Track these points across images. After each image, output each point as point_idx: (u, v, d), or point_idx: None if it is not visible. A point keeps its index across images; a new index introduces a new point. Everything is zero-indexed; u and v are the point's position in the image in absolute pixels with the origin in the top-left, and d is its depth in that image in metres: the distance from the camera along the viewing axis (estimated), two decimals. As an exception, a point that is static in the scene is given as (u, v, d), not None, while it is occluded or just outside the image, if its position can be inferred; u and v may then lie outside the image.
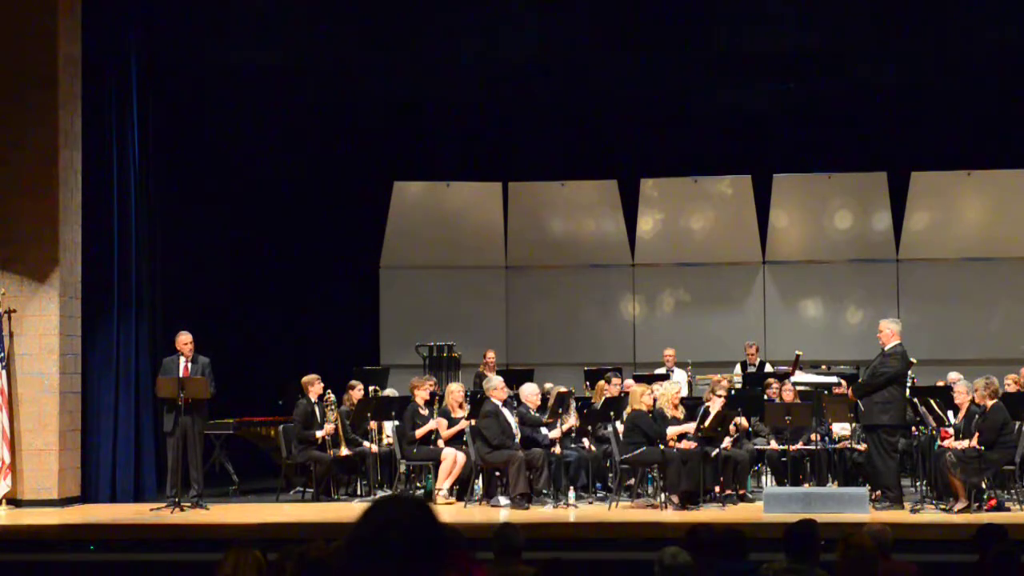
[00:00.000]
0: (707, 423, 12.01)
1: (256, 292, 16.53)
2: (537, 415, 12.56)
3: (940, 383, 13.61)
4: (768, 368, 15.39)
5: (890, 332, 11.67)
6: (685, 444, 11.86)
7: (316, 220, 16.98)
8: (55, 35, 12.41)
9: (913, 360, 12.25)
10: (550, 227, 18.30)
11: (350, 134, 16.82)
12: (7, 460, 12.07)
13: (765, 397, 13.27)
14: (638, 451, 11.78)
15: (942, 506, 11.22)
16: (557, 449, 12.32)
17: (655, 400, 12.24)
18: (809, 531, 5.81)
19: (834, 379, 13.96)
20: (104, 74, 12.96)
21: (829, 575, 5.64)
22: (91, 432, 12.73)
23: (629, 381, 13.81)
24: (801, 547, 5.73)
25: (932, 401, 11.60)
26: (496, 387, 12.40)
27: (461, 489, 12.45)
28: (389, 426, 13.18)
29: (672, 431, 11.87)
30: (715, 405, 12.29)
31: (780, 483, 12.80)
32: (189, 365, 12.23)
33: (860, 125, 16.78)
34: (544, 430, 12.43)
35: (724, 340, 16.91)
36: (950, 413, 11.85)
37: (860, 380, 12.17)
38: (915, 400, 11.86)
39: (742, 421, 12.76)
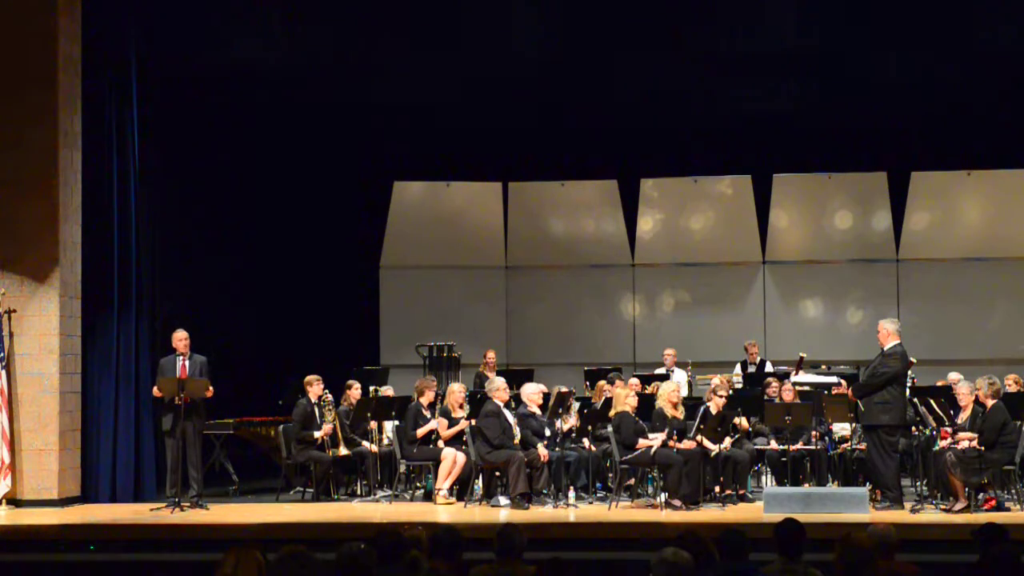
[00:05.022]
0: (706, 425, 12.00)
1: (256, 292, 16.53)
2: (542, 418, 12.55)
3: (940, 383, 13.61)
4: (769, 367, 15.39)
5: (887, 332, 11.67)
6: (686, 444, 11.85)
7: (316, 220, 16.98)
8: (55, 35, 12.41)
9: (913, 360, 12.26)
10: (550, 227, 18.31)
11: (350, 134, 16.82)
12: (7, 460, 12.08)
13: (765, 397, 13.27)
14: (637, 452, 11.78)
15: (942, 506, 11.23)
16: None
17: (641, 400, 12.25)
18: (796, 529, 5.83)
19: (834, 379, 13.95)
20: (104, 74, 12.96)
21: (823, 574, 5.65)
22: (91, 432, 12.73)
23: (634, 380, 13.81)
24: (791, 545, 5.75)
25: (933, 401, 11.60)
26: (498, 388, 12.41)
27: (461, 489, 12.45)
28: (389, 426, 13.19)
29: (643, 443, 11.82)
30: (715, 405, 12.31)
31: (780, 483, 12.80)
32: (187, 364, 12.24)
33: (860, 125, 16.78)
34: (546, 431, 12.43)
35: (724, 340, 16.92)
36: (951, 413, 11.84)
37: (860, 380, 12.17)
38: (915, 400, 11.87)
39: (742, 421, 12.77)
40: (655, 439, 11.82)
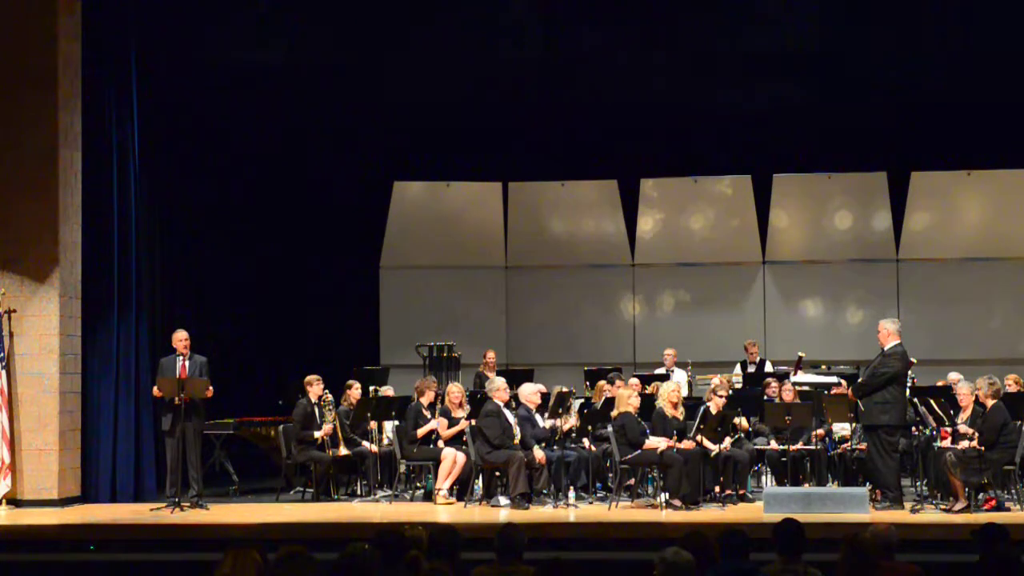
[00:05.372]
0: (706, 425, 11.99)
1: (256, 292, 16.52)
2: (541, 421, 12.54)
3: (940, 383, 13.61)
4: (768, 367, 15.39)
5: (888, 332, 11.67)
6: (685, 444, 11.84)
7: (316, 220, 16.97)
8: (55, 35, 12.41)
9: (913, 360, 12.26)
10: (550, 227, 18.29)
11: (350, 134, 16.82)
12: (7, 460, 12.08)
13: (764, 397, 13.27)
14: (638, 452, 11.78)
15: (942, 506, 11.23)
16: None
17: (641, 400, 12.26)
18: (795, 529, 5.83)
19: (834, 379, 13.96)
20: (104, 74, 12.96)
21: (824, 574, 5.66)
22: (91, 432, 12.73)
23: (634, 380, 13.80)
24: (791, 545, 5.76)
25: (933, 401, 11.60)
26: (499, 388, 12.41)
27: (461, 489, 12.45)
28: (389, 426, 13.19)
29: (649, 443, 11.82)
30: (715, 405, 12.31)
31: (780, 483, 12.80)
32: (187, 364, 12.24)
33: (860, 125, 16.77)
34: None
35: (724, 340, 16.90)
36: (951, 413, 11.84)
37: (860, 380, 12.17)
38: (915, 400, 11.86)
39: (742, 421, 12.77)
40: (659, 443, 11.80)
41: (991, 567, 5.44)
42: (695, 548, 5.38)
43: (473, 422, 12.43)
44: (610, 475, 12.75)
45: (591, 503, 12.21)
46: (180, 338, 12.31)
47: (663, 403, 12.22)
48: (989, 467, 11.13)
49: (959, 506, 11.04)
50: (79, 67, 12.71)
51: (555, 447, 12.38)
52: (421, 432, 12.62)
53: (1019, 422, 11.54)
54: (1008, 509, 11.20)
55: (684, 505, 11.51)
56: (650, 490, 12.47)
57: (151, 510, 11.80)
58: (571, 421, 12.79)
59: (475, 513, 11.74)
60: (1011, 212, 17.40)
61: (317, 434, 12.80)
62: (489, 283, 18.13)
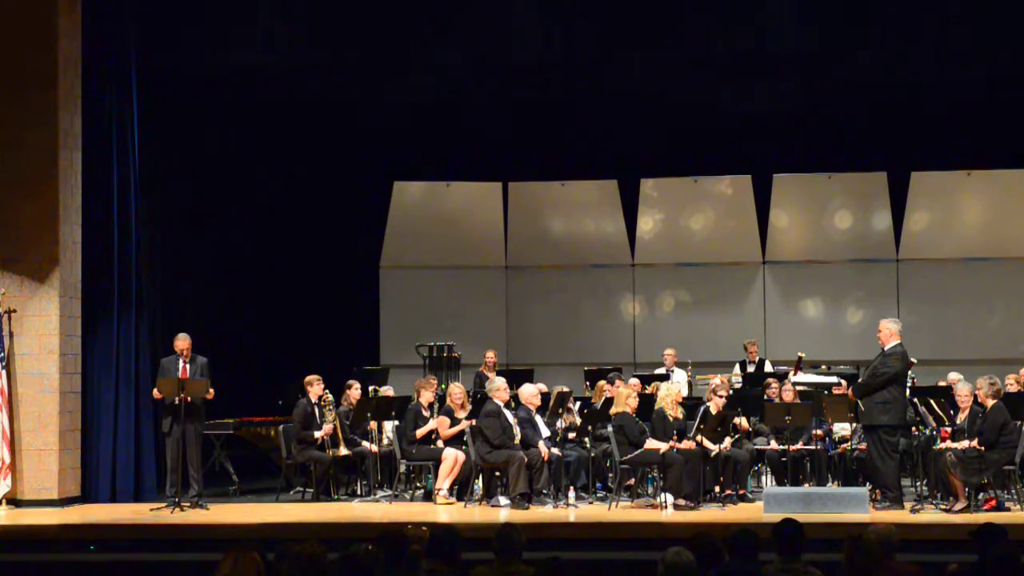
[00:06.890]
0: (706, 425, 11.99)
1: (256, 292, 16.52)
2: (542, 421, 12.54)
3: (941, 383, 13.61)
4: (768, 367, 15.39)
5: (889, 332, 11.67)
6: (685, 444, 11.84)
7: (316, 220, 16.98)
8: (55, 35, 12.41)
9: (913, 360, 12.25)
10: (550, 227, 18.30)
11: (350, 134, 16.82)
12: (7, 460, 12.08)
13: (765, 397, 13.27)
14: (639, 451, 11.78)
15: (942, 506, 11.23)
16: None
17: (641, 400, 12.25)
18: (795, 529, 5.84)
19: (834, 379, 13.96)
20: (104, 74, 12.96)
21: (824, 574, 5.66)
22: (91, 432, 12.73)
23: (633, 380, 13.80)
24: (791, 545, 5.76)
25: (933, 401, 11.59)
26: (499, 388, 12.41)
27: (461, 489, 12.45)
28: (389, 426, 13.19)
29: (649, 445, 11.81)
30: (715, 405, 12.30)
31: (780, 483, 12.80)
32: (187, 366, 12.23)
33: (860, 125, 16.77)
34: (545, 431, 12.42)
35: (724, 340, 16.91)
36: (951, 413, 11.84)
37: (860, 380, 12.17)
38: (915, 400, 11.86)
39: (742, 422, 12.76)
40: (660, 447, 11.79)
41: (990, 567, 5.44)
42: (700, 548, 5.37)
43: (473, 422, 12.44)
44: (610, 475, 12.74)
45: (591, 503, 12.21)
46: (182, 345, 12.27)
47: (665, 404, 12.21)
48: (989, 467, 11.13)
49: (959, 506, 11.04)
50: (79, 67, 12.71)
51: (554, 449, 12.37)
52: (420, 433, 12.62)
53: (1019, 422, 11.54)
54: (1008, 509, 11.20)
55: (684, 505, 11.51)
56: (650, 490, 12.46)
57: (151, 510, 11.80)
58: (571, 418, 12.80)
59: (475, 513, 11.74)
60: (1011, 212, 17.41)
61: (317, 434, 12.80)
62: (489, 283, 18.13)
